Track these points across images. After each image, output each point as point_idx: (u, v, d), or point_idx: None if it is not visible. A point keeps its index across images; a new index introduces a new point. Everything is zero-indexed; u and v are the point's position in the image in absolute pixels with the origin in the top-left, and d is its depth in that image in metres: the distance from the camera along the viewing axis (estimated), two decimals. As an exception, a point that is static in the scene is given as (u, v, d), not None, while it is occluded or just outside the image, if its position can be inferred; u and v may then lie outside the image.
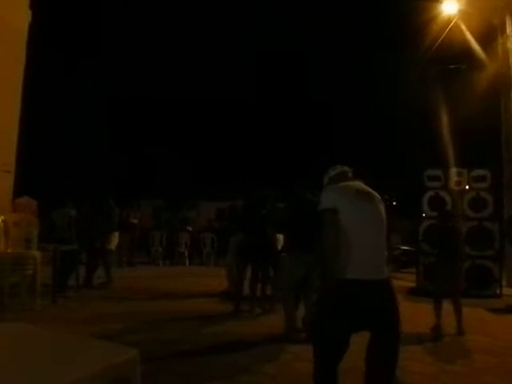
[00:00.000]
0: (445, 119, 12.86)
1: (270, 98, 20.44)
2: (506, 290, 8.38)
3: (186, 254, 12.90)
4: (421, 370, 3.81)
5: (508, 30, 9.58)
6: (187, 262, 12.78)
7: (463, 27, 10.34)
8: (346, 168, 3.03)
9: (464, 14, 10.36)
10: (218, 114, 20.82)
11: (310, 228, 4.71)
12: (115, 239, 8.17)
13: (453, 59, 11.33)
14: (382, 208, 2.75)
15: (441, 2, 10.18)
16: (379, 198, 2.80)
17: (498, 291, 8.09)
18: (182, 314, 5.86)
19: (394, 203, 19.80)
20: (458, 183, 8.55)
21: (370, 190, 2.82)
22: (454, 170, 8.74)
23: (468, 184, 8.52)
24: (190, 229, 13.84)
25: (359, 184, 2.85)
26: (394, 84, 15.16)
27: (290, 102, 20.37)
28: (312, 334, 2.93)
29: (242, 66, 20.33)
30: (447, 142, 11.67)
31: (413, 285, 8.62)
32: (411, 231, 10.34)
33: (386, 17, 11.38)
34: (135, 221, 11.16)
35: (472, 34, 10.48)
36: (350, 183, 2.84)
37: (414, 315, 5.92)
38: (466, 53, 10.81)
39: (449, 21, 10.49)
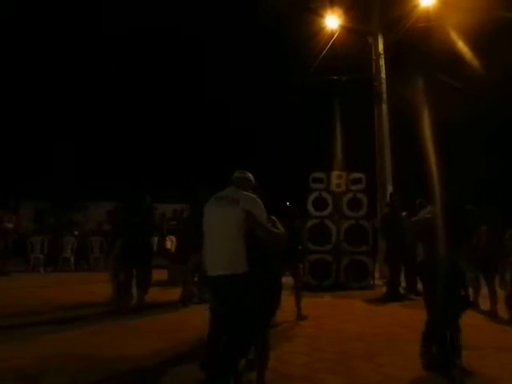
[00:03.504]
0: (330, 127, 13.84)
1: (158, 96, 19.97)
2: (378, 281, 9.35)
3: (72, 259, 12.08)
4: (295, 361, 4.06)
5: (380, 48, 10.69)
6: (73, 268, 11.98)
7: (344, 42, 11.30)
8: (239, 175, 3.41)
9: (345, 30, 11.32)
10: (106, 109, 19.73)
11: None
12: None
13: (335, 70, 12.25)
14: (228, 212, 3.13)
15: (324, 17, 10.98)
16: (234, 202, 3.16)
17: (372, 283, 8.96)
18: (62, 327, 5.47)
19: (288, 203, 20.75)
20: (338, 185, 9.29)
21: (229, 195, 3.22)
22: (334, 173, 9.48)
23: (346, 186, 9.30)
24: (76, 233, 12.97)
25: (225, 191, 3.28)
26: (282, 93, 15.91)
27: (181, 102, 20.16)
28: None
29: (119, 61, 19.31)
30: (331, 148, 12.63)
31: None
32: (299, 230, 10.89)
33: (274, 26, 11.89)
34: (10, 225, 10.10)
35: (352, 48, 11.48)
36: (221, 192, 3.30)
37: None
38: (347, 65, 11.80)
39: (332, 35, 11.37)
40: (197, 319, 5.61)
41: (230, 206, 3.14)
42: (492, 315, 6.17)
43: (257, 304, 3.15)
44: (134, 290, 6.39)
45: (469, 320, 5.99)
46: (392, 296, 7.57)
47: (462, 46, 10.60)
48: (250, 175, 3.45)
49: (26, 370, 3.75)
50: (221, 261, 3.10)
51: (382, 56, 10.74)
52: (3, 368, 3.77)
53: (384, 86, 10.81)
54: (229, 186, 3.33)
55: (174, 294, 7.12)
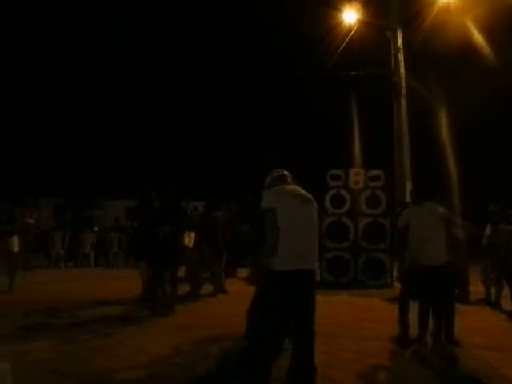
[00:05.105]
0: (348, 123, 13.71)
1: (180, 100, 20.02)
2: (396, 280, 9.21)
3: (92, 255, 12.27)
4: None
5: (399, 43, 10.51)
6: (93, 264, 12.17)
7: (362, 36, 11.15)
8: (285, 172, 3.57)
9: (363, 24, 11.17)
10: (126, 110, 19.92)
11: None
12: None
13: (354, 65, 12.12)
14: (312, 209, 3.37)
15: (342, 12, 10.85)
16: (312, 200, 3.41)
17: (389, 281, 8.84)
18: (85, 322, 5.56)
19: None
20: (356, 182, 9.18)
21: (303, 192, 3.41)
22: (353, 170, 9.37)
23: (365, 183, 9.18)
24: (96, 228, 13.16)
25: (295, 187, 3.43)
26: (302, 89, 15.83)
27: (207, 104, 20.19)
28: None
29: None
30: (349, 144, 12.53)
31: (317, 278, 9.08)
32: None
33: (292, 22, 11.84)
34: (31, 221, 10.31)
35: (371, 43, 11.32)
36: (288, 187, 3.42)
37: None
38: (365, 60, 11.66)
39: (350, 30, 11.22)
40: (224, 313, 5.67)
41: (311, 204, 3.39)
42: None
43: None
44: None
45: (492, 321, 5.91)
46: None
47: (481, 41, 10.35)
48: None
49: (51, 363, 3.83)
50: (308, 256, 3.25)
51: (401, 51, 10.56)
52: (27, 360, 3.86)
53: (403, 81, 10.62)
54: (285, 182, 3.48)
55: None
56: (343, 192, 9.14)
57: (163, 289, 6.13)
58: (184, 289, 7.34)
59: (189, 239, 9.03)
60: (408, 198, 8.98)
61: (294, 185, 3.50)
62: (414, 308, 4.73)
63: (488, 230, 6.85)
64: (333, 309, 6.29)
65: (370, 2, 11.07)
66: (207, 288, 7.68)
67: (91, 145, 19.89)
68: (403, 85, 10.74)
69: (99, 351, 4.22)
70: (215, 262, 7.61)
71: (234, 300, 6.69)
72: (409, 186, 10.20)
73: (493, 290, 6.87)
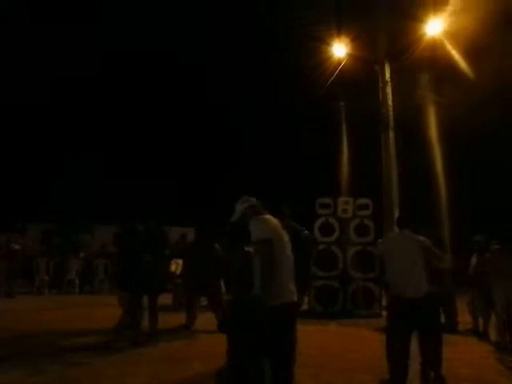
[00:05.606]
0: (337, 152, 13.89)
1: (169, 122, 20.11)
2: (385, 310, 9.14)
3: (77, 281, 12.03)
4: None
5: (387, 76, 10.82)
6: (77, 291, 11.92)
7: (351, 69, 11.46)
8: (255, 200, 3.36)
9: (352, 58, 11.49)
10: (114, 132, 19.86)
11: None
12: None
13: (343, 97, 12.42)
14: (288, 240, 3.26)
15: (331, 46, 11.18)
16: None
17: (378, 311, 8.77)
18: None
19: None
20: (345, 211, 9.24)
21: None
22: (341, 199, 9.45)
23: (353, 212, 9.25)
24: (82, 254, 12.96)
25: (274, 218, 3.28)
26: (292, 120, 16.09)
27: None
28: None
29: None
30: (337, 173, 12.68)
31: (305, 307, 8.99)
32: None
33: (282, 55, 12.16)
34: (17, 247, 10.15)
35: (359, 75, 11.63)
36: (269, 216, 3.25)
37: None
38: (355, 92, 11.95)
39: (339, 63, 11.53)
40: (207, 346, 5.56)
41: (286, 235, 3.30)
42: (501, 346, 5.98)
43: None
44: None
45: (480, 352, 5.87)
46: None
47: (469, 74, 10.64)
48: None
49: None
50: (292, 288, 3.16)
51: (389, 83, 10.86)
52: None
53: (391, 113, 10.88)
54: (263, 211, 3.29)
55: (181, 319, 7.05)
56: (332, 220, 9.20)
57: (150, 317, 6.03)
58: (174, 317, 7.20)
59: (176, 266, 8.94)
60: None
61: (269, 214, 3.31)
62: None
63: (474, 260, 6.90)
64: (321, 339, 6.21)
65: (358, 36, 11.43)
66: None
67: (80, 167, 19.71)
68: (391, 117, 10.97)
69: (78, 383, 4.08)
70: (216, 292, 7.24)
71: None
72: (397, 215, 10.27)
73: (480, 320, 6.86)
